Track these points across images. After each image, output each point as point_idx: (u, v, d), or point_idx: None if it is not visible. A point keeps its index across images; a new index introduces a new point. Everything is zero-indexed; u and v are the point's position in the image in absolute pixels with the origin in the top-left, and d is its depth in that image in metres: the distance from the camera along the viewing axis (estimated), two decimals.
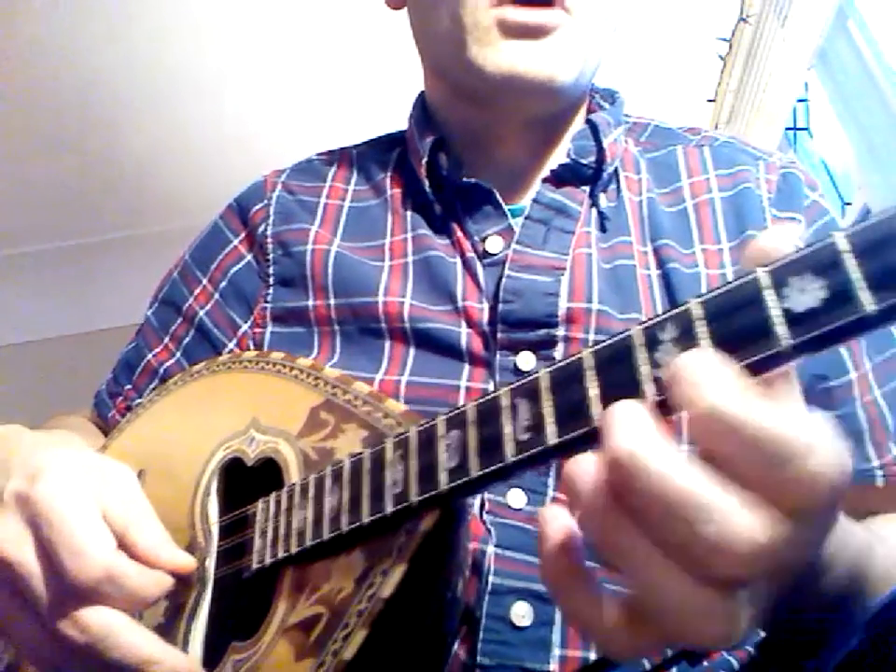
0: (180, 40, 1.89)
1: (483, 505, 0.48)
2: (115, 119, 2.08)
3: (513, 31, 0.54)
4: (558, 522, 0.28)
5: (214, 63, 1.96)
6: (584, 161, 0.58)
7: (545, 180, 0.58)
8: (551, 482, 0.50)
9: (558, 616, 0.46)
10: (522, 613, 0.45)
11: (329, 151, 0.71)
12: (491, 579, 0.46)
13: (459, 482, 0.33)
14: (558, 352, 0.52)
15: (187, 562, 0.44)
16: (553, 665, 0.44)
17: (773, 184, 0.59)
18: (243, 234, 0.65)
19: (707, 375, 0.25)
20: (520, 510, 0.49)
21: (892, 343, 0.57)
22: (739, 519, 0.24)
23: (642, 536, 0.25)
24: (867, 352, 0.55)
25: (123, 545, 0.42)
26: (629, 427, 0.25)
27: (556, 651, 0.45)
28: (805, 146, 1.84)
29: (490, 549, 0.47)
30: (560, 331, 0.52)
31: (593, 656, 0.45)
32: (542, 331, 0.52)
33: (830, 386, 0.54)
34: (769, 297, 0.25)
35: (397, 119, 0.70)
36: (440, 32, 0.58)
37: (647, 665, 0.44)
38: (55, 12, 1.77)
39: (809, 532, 0.25)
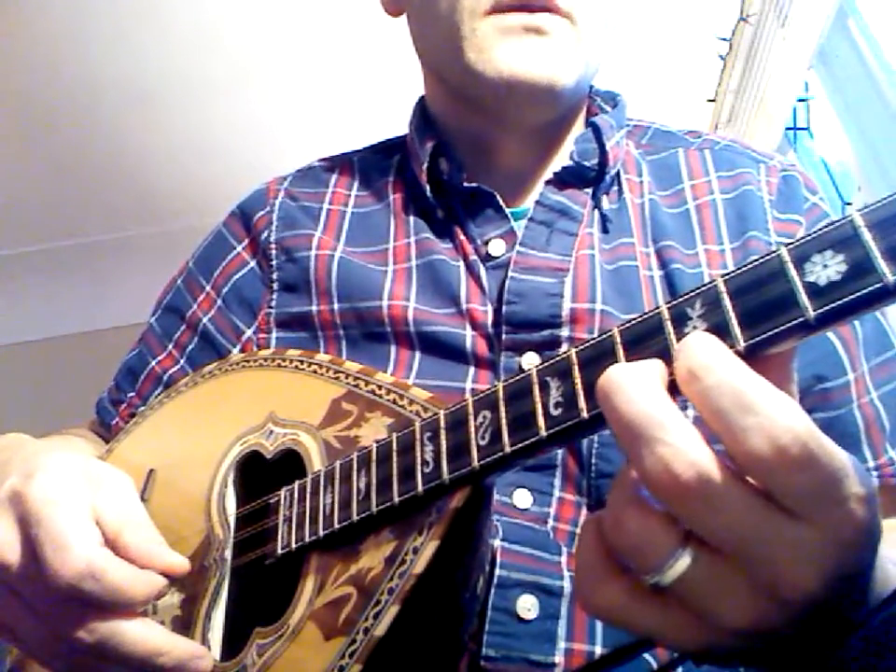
0: (191, 40, 1.88)
1: None
2: (122, 118, 2.07)
3: (512, 31, 0.54)
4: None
5: (224, 64, 1.96)
6: (587, 164, 0.58)
7: (548, 182, 0.58)
8: (557, 482, 0.50)
9: (564, 609, 0.46)
10: (528, 606, 0.46)
11: (330, 157, 0.72)
12: (497, 571, 0.46)
13: (493, 458, 0.34)
14: None
15: (179, 563, 0.44)
16: (559, 658, 0.45)
17: (774, 186, 0.59)
18: (246, 241, 0.66)
19: (702, 346, 0.27)
20: (526, 510, 0.49)
21: (890, 345, 0.57)
22: (685, 446, 0.26)
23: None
24: (865, 354, 0.56)
25: (116, 548, 0.42)
26: (623, 365, 0.28)
27: (562, 644, 0.45)
28: (806, 145, 1.84)
29: (497, 543, 0.47)
30: (564, 332, 0.53)
31: (598, 650, 0.46)
32: (546, 332, 0.53)
33: (827, 387, 0.55)
34: (792, 272, 0.26)
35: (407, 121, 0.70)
36: (438, 40, 0.59)
37: (654, 664, 0.44)
38: (62, 11, 1.76)
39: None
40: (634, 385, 0.27)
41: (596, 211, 0.59)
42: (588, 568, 0.30)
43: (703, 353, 0.27)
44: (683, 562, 0.27)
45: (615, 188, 0.61)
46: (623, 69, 1.70)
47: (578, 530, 0.50)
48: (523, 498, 0.50)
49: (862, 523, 0.26)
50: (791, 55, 1.72)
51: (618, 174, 0.61)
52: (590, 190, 0.59)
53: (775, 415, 0.25)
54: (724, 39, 1.83)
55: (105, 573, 0.40)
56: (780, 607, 0.26)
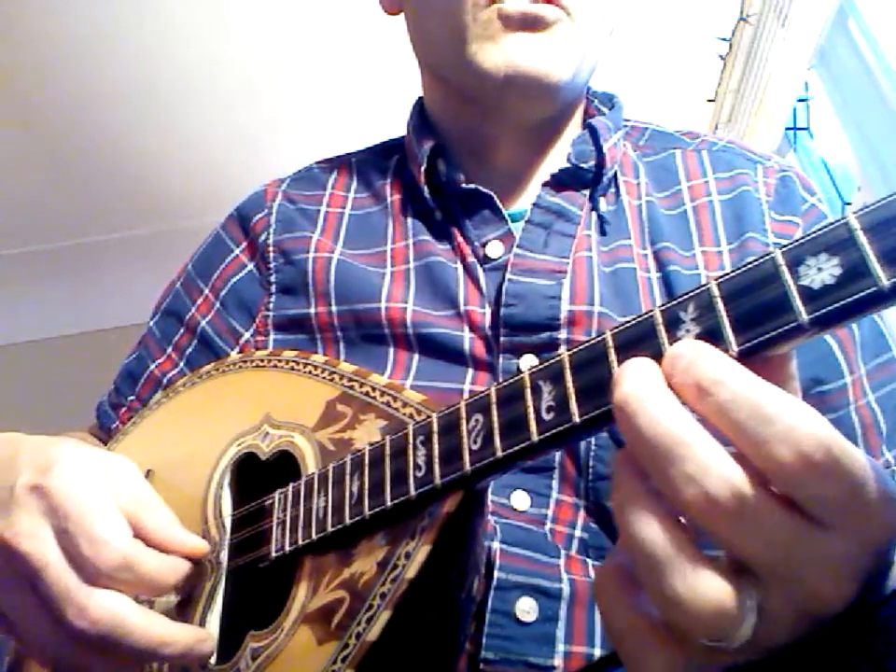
0: (192, 42, 1.88)
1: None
2: (123, 118, 2.07)
3: (512, 21, 0.54)
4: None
5: (225, 66, 1.95)
6: (584, 166, 0.58)
7: (545, 184, 0.58)
8: (555, 484, 0.50)
9: (563, 612, 0.46)
10: (526, 608, 0.46)
11: (329, 159, 0.72)
12: (496, 574, 0.46)
13: (484, 462, 0.34)
14: None
15: (199, 544, 0.45)
16: (557, 661, 0.45)
17: (771, 187, 0.59)
18: (244, 244, 0.66)
19: (697, 353, 0.27)
20: (524, 511, 0.49)
21: (888, 347, 0.57)
22: (716, 463, 0.25)
23: (641, 486, 0.27)
24: (862, 356, 0.56)
25: (137, 534, 0.43)
26: (636, 374, 0.27)
27: (560, 647, 0.45)
28: (806, 145, 1.84)
29: (496, 545, 0.47)
30: (562, 334, 0.52)
31: (597, 652, 0.45)
32: (545, 334, 0.53)
33: (825, 390, 0.55)
34: (786, 275, 0.26)
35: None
36: (437, 33, 0.59)
37: None
38: (62, 12, 1.76)
39: (832, 536, 0.25)
40: (654, 403, 0.26)
41: (594, 213, 0.59)
42: (633, 636, 0.28)
43: (711, 367, 0.26)
44: (751, 620, 0.25)
45: (612, 189, 0.61)
46: (623, 69, 1.70)
47: (577, 533, 0.50)
48: (521, 500, 0.50)
49: (890, 523, 0.25)
50: (791, 55, 1.71)
51: (615, 175, 0.61)
52: (587, 192, 0.59)
53: (795, 423, 0.24)
54: (724, 39, 1.83)
55: (140, 564, 0.41)
56: (814, 623, 0.26)
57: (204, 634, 0.42)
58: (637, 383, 0.27)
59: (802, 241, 0.26)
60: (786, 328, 0.26)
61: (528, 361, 0.52)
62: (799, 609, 0.25)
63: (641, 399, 0.26)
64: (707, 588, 0.25)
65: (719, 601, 0.25)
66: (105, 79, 1.96)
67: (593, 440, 0.50)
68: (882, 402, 0.55)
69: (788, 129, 1.85)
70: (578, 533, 0.50)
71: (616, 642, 0.29)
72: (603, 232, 0.58)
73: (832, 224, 0.26)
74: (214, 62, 1.95)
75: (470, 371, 0.53)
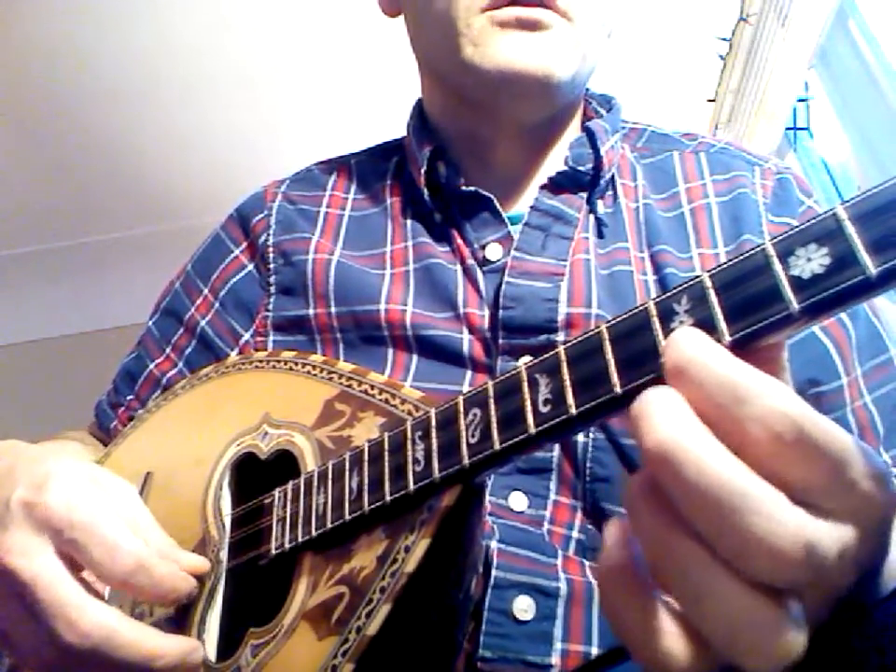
0: (191, 41, 1.88)
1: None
2: (122, 118, 2.07)
3: (508, 24, 0.54)
4: (619, 533, 0.27)
5: (224, 65, 1.95)
6: (582, 169, 0.58)
7: (543, 187, 0.58)
8: (552, 485, 0.50)
9: (560, 610, 0.46)
10: (524, 607, 0.46)
11: (328, 160, 0.72)
12: (494, 572, 0.46)
13: (482, 455, 0.34)
14: None
15: (198, 563, 0.45)
16: (555, 659, 0.45)
17: (768, 189, 0.59)
18: (244, 244, 0.66)
19: (691, 345, 0.26)
20: (521, 512, 0.50)
21: (884, 348, 0.57)
22: (784, 512, 0.23)
23: (686, 533, 0.25)
24: (859, 357, 0.56)
25: None
26: (665, 414, 0.25)
27: (558, 645, 0.45)
28: (806, 145, 1.84)
29: (493, 544, 0.47)
30: (560, 336, 0.53)
31: (594, 651, 0.46)
32: (542, 337, 0.53)
33: (821, 391, 0.55)
34: (777, 266, 0.26)
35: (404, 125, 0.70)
36: (435, 37, 0.59)
37: None
38: (59, 12, 1.76)
39: (856, 534, 0.25)
40: (698, 452, 0.24)
41: (591, 215, 0.59)
42: (645, 632, 0.26)
43: (688, 347, 0.26)
44: (803, 630, 0.24)
45: (610, 192, 0.61)
46: (623, 69, 1.70)
47: (574, 534, 0.50)
48: (518, 501, 0.50)
49: (882, 504, 0.25)
50: (791, 55, 1.71)
51: (613, 178, 0.61)
52: (585, 195, 0.59)
53: (768, 403, 0.24)
54: (724, 39, 1.83)
55: (153, 568, 0.41)
56: (813, 612, 0.25)
57: (195, 644, 0.42)
58: (670, 425, 0.25)
59: (792, 232, 0.27)
60: (777, 317, 0.26)
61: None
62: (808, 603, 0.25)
63: (683, 445, 0.24)
64: (767, 615, 0.24)
65: (780, 626, 0.24)
66: (105, 79, 1.96)
67: (590, 442, 0.50)
68: (879, 403, 0.55)
69: (788, 129, 1.85)
70: (575, 534, 0.50)
71: (624, 637, 0.27)
72: (600, 235, 0.58)
73: (821, 215, 0.26)
74: (213, 61, 1.94)
75: (469, 372, 0.54)
